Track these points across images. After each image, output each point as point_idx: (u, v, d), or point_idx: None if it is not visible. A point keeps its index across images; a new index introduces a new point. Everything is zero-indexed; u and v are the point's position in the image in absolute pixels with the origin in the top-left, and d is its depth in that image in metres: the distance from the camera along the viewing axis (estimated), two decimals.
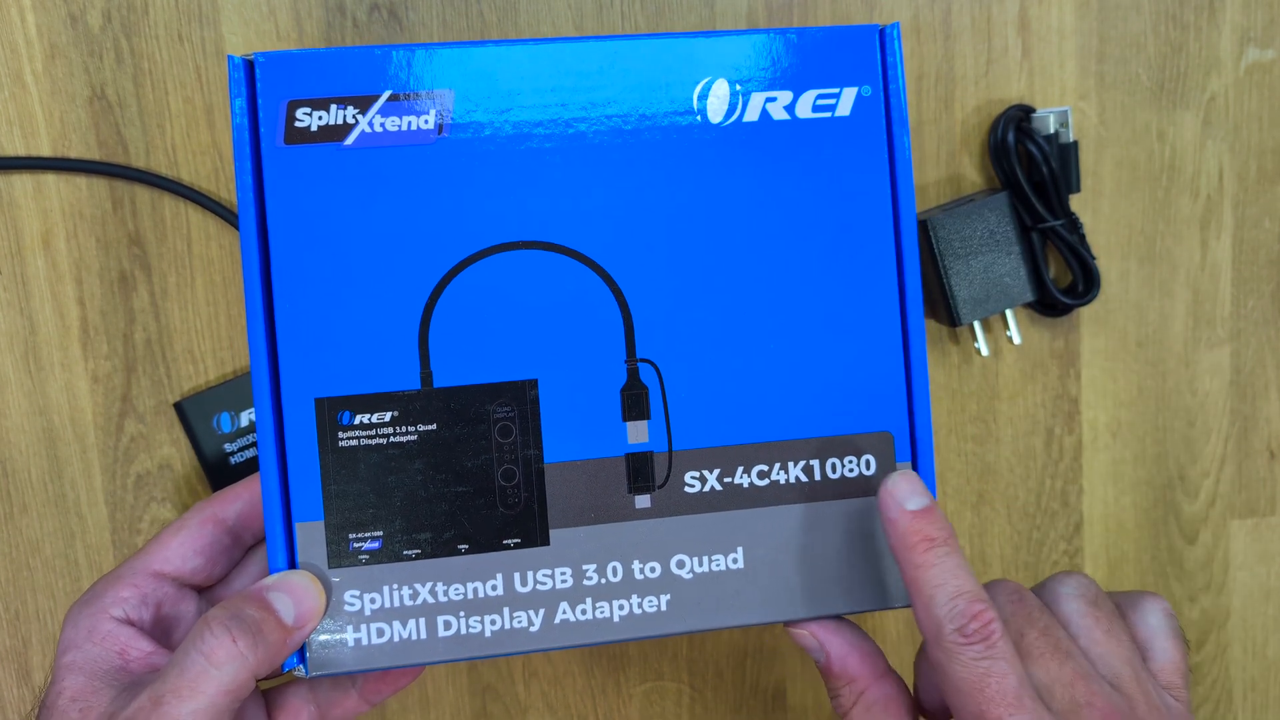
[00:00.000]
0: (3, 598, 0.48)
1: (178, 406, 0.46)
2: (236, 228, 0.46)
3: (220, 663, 0.32)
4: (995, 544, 0.52)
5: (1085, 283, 0.49)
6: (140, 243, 0.46)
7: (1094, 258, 0.49)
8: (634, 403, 0.37)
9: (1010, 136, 0.47)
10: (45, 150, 0.46)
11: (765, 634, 0.51)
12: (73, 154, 0.46)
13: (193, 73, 0.46)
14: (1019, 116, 0.48)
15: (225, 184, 0.46)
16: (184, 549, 0.37)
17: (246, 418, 0.46)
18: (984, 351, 0.49)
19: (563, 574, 0.36)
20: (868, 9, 0.48)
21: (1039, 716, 0.32)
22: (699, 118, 0.37)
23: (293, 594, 0.34)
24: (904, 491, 0.35)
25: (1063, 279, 0.50)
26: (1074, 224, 0.49)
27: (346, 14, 0.46)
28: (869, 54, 0.37)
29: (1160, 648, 0.36)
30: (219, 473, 0.46)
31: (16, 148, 0.46)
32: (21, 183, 0.46)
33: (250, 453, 0.46)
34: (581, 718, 0.51)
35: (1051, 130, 0.48)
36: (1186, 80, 0.50)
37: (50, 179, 0.46)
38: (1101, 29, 0.49)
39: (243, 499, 0.38)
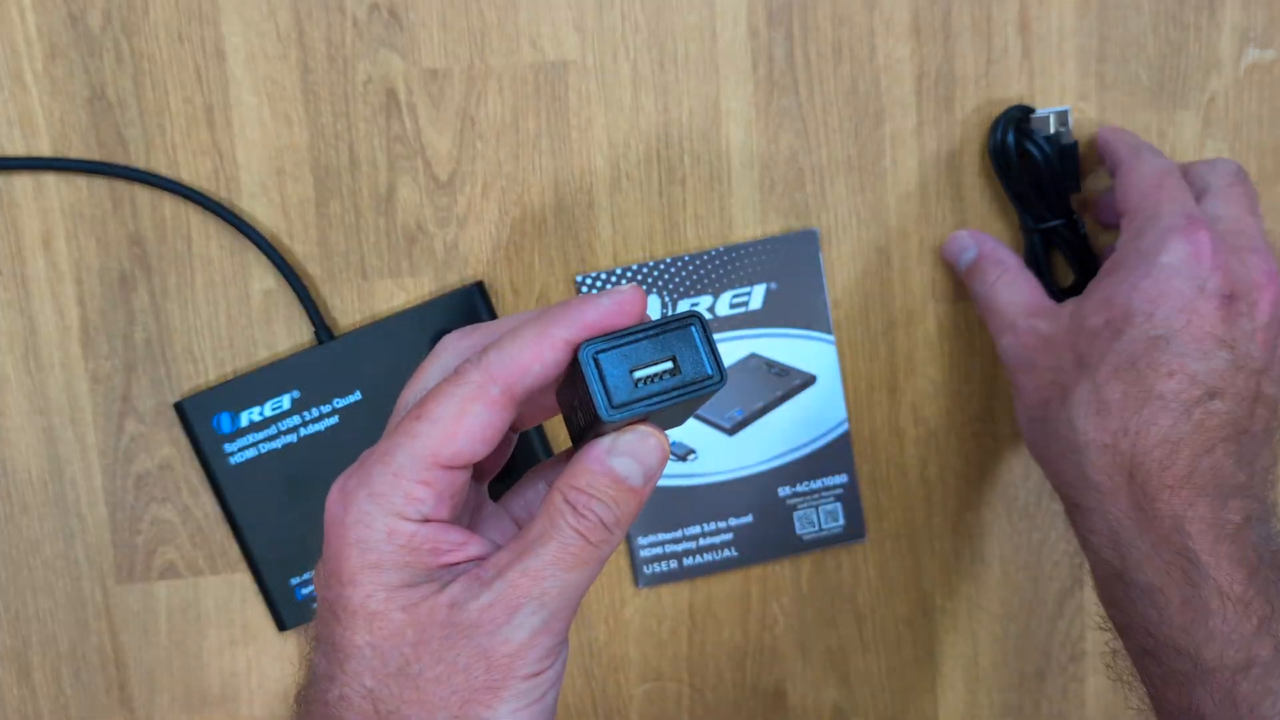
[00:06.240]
0: (3, 598, 0.48)
1: (178, 406, 0.46)
2: (237, 228, 0.46)
3: (598, 542, 0.31)
4: (995, 544, 0.52)
5: (1089, 282, 0.49)
6: (140, 243, 0.46)
7: (1096, 257, 0.49)
8: None
9: (1010, 137, 0.47)
10: (45, 150, 0.46)
11: (765, 634, 0.51)
12: (73, 154, 0.46)
13: (193, 73, 0.46)
14: (1019, 117, 0.48)
15: (225, 184, 0.46)
16: (473, 439, 0.31)
17: (246, 418, 0.46)
18: None
19: None
20: (868, 9, 0.48)
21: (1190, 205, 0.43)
22: None
23: (636, 456, 0.31)
24: (954, 248, 0.49)
25: (1065, 278, 0.50)
26: (1075, 223, 0.48)
27: (347, 14, 0.46)
28: None
29: None
30: (219, 473, 0.46)
31: (16, 148, 0.46)
32: (21, 183, 0.46)
33: (250, 453, 0.46)
34: (581, 717, 0.51)
35: (1052, 130, 0.48)
36: (1186, 80, 0.50)
37: (50, 179, 0.46)
38: (1101, 29, 0.49)
39: (533, 371, 0.31)
